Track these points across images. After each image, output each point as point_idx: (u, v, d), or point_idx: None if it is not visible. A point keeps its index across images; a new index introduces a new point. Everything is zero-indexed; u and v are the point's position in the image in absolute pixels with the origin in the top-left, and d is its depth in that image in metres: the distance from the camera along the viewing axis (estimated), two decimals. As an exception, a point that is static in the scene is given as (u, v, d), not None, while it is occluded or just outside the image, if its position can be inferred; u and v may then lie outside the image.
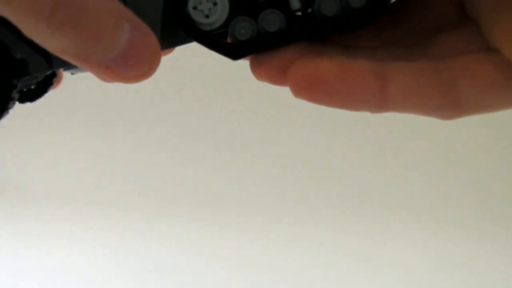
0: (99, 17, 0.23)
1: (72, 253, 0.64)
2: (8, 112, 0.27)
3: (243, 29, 0.26)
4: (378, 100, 0.25)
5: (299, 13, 0.27)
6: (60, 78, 0.34)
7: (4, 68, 0.26)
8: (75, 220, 0.73)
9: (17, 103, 0.29)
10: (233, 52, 0.26)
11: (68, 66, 0.27)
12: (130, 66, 0.24)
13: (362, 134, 0.81)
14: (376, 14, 0.27)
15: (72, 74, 0.32)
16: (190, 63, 0.57)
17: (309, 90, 0.25)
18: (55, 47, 0.24)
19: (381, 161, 0.84)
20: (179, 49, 0.29)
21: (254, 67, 0.27)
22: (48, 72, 0.29)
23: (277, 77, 0.26)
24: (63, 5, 0.23)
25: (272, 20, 0.26)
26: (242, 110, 0.82)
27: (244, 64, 0.28)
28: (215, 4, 0.25)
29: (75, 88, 0.63)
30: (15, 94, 0.27)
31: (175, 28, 0.26)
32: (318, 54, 0.26)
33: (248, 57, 0.27)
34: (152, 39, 0.24)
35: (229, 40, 0.27)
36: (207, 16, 0.25)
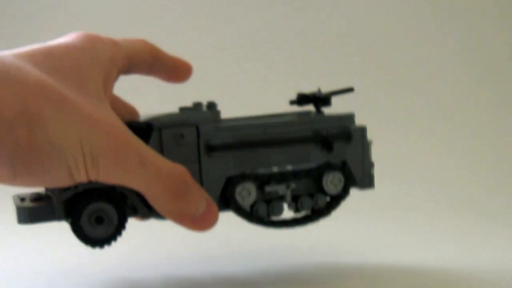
0: (197, 194, 0.45)
1: (68, 250, 0.64)
2: (123, 231, 0.47)
3: (260, 209, 0.50)
4: None
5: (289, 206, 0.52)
6: None
7: (123, 209, 0.46)
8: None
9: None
10: (256, 220, 0.51)
11: (159, 216, 0.47)
12: (203, 222, 0.45)
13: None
14: (331, 210, 0.52)
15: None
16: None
17: None
18: (166, 210, 0.44)
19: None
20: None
21: None
22: (148, 218, 0.48)
23: None
24: (183, 187, 0.44)
25: (277, 207, 0.51)
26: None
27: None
28: (249, 193, 0.50)
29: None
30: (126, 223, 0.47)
31: (221, 204, 0.49)
32: None
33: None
34: (216, 208, 0.46)
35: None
36: (243, 199, 0.49)
